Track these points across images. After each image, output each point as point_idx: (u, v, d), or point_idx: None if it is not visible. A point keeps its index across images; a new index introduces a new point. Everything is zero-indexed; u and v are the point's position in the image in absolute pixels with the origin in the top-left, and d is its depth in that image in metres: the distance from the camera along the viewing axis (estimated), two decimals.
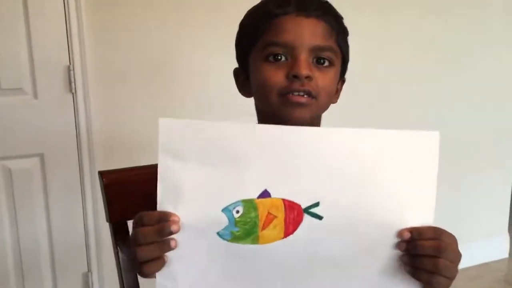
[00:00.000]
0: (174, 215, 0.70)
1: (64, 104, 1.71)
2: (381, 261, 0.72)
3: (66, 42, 1.64)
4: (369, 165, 0.71)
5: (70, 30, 1.66)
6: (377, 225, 0.71)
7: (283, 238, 0.73)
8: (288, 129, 0.71)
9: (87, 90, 1.70)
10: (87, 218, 1.79)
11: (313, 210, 0.72)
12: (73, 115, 1.69)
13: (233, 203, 0.72)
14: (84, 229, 1.84)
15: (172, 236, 0.67)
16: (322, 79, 0.82)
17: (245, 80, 0.91)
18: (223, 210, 0.72)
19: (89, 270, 1.90)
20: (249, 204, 0.72)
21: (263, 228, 0.72)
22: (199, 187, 0.71)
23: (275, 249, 0.73)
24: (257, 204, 0.72)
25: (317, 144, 0.71)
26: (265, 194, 0.72)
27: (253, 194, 0.71)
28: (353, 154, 0.71)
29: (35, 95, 1.66)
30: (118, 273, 1.03)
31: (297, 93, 0.81)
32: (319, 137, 0.71)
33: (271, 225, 0.73)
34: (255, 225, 0.72)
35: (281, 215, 0.72)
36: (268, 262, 0.73)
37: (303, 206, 0.72)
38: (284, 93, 0.82)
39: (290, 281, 0.73)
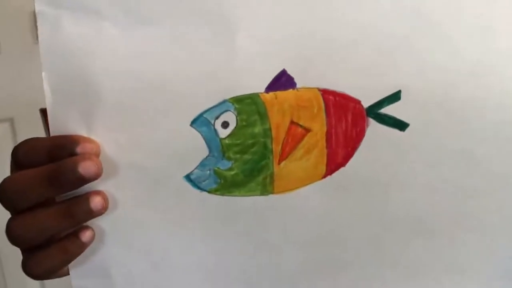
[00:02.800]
0: (87, 140, 0.30)
1: (32, 57, 1.39)
2: None
3: None
4: None
5: None
6: None
7: (324, 176, 0.33)
8: None
9: None
10: None
11: (386, 109, 0.32)
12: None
13: (214, 106, 0.31)
14: None
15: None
16: None
17: None
18: (194, 124, 0.31)
19: None
20: (248, 105, 0.32)
21: (283, 156, 0.33)
22: (134, 74, 0.31)
23: (311, 204, 0.35)
24: (265, 103, 0.32)
25: None
26: (282, 80, 0.32)
27: (255, 83, 0.32)
28: None
29: None
30: None
31: None
32: None
33: (300, 149, 0.33)
34: (265, 151, 0.33)
35: (319, 126, 0.33)
36: (296, 233, 0.34)
37: (367, 103, 0.32)
38: None
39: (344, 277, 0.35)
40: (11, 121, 1.50)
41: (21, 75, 1.45)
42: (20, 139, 1.35)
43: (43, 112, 0.56)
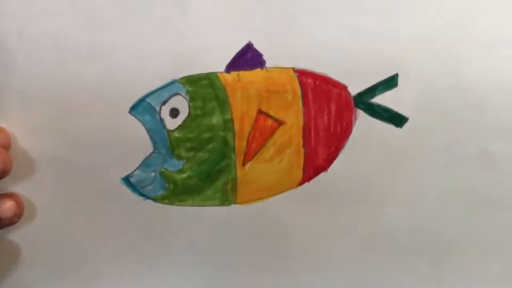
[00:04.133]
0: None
1: None
2: None
3: None
4: None
5: None
6: None
7: (301, 184, 0.28)
8: None
9: None
10: None
11: (380, 98, 0.25)
12: None
13: (160, 88, 0.25)
14: None
15: None
16: None
17: None
18: (133, 110, 0.24)
19: None
20: (204, 88, 0.26)
21: (249, 156, 0.26)
22: (59, 38, 0.24)
23: (283, 218, 0.28)
24: (226, 87, 0.25)
25: None
26: (248, 56, 0.25)
27: (213, 59, 0.25)
28: None
29: None
30: None
31: None
32: None
33: (270, 147, 0.27)
34: (225, 148, 0.26)
35: (295, 117, 0.27)
36: (265, 254, 0.29)
37: (354, 89, 0.25)
38: None
39: None
40: None
41: None
42: None
43: None
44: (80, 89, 0.26)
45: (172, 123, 0.26)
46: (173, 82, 0.26)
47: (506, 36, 0.27)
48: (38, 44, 0.25)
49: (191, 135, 0.27)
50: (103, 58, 0.25)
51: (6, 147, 0.25)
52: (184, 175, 0.27)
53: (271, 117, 0.27)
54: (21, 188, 0.26)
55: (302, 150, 0.27)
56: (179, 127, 0.26)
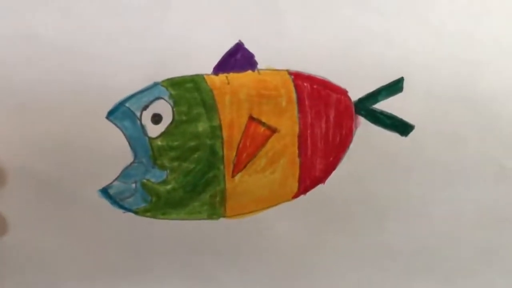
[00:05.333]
0: None
1: None
2: None
3: None
4: None
5: None
6: None
7: (296, 196, 0.26)
8: None
9: None
10: None
11: (383, 105, 0.23)
12: None
13: (141, 91, 0.23)
14: None
15: None
16: None
17: None
18: (111, 116, 0.22)
19: None
20: (189, 92, 0.24)
21: (239, 168, 0.24)
22: (30, 37, 0.22)
23: (277, 234, 0.26)
24: (214, 91, 0.22)
25: None
26: (238, 57, 0.22)
27: (199, 60, 0.23)
28: None
29: None
30: None
31: None
32: None
33: (262, 157, 0.25)
34: (213, 158, 0.24)
35: (289, 125, 0.24)
36: (256, 272, 0.26)
37: (356, 93, 0.24)
38: None
39: None
40: None
41: None
42: None
43: None
44: (52, 91, 0.23)
45: (154, 130, 0.24)
46: (155, 85, 0.24)
47: None
48: (6, 41, 0.23)
49: (175, 143, 0.24)
50: (78, 57, 0.23)
51: None
52: (168, 187, 0.25)
53: (263, 124, 0.24)
54: None
55: (297, 160, 0.25)
56: (162, 134, 0.24)
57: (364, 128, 0.25)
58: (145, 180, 0.25)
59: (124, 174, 0.24)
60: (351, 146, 0.25)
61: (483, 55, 0.25)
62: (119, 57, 0.23)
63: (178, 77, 0.24)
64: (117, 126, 0.24)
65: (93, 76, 0.23)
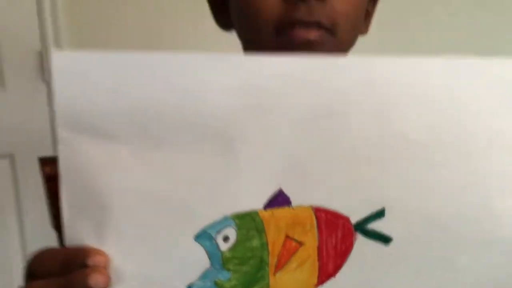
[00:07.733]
0: (98, 252, 0.33)
1: (36, 96, 1.41)
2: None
3: (37, 23, 1.38)
4: (469, 120, 0.37)
5: (42, 9, 1.36)
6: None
7: (316, 286, 0.37)
8: (315, 63, 0.36)
9: None
10: None
11: (373, 225, 0.36)
12: (47, 108, 1.40)
13: (217, 222, 0.35)
14: None
15: None
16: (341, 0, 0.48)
17: (221, 3, 0.55)
18: (197, 238, 0.35)
19: None
20: (247, 221, 0.36)
21: (278, 268, 0.36)
22: (145, 192, 0.34)
23: None
24: (263, 220, 0.35)
25: (380, 88, 0.36)
26: (279, 199, 0.36)
27: (255, 202, 0.36)
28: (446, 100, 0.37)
29: (3, 86, 1.40)
30: None
31: (303, 26, 0.47)
32: (383, 73, 0.36)
33: (294, 261, 0.36)
34: (261, 263, 0.36)
35: (311, 241, 0.37)
36: None
37: (354, 219, 0.36)
38: (284, 27, 0.47)
39: None
40: (11, 157, 1.48)
41: (25, 113, 1.43)
42: (20, 174, 1.37)
43: (41, 161, 0.57)
44: (160, 226, 0.36)
45: (224, 246, 0.36)
46: (226, 218, 0.36)
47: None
48: (131, 196, 0.35)
49: (237, 255, 0.37)
50: (176, 203, 0.36)
51: (106, 267, 0.35)
52: (232, 283, 0.37)
53: (295, 240, 0.37)
54: None
55: (317, 263, 0.37)
56: (229, 249, 0.36)
57: (360, 240, 0.38)
58: (217, 280, 0.37)
59: (203, 276, 0.36)
60: (352, 252, 0.38)
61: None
62: (204, 200, 0.36)
63: (241, 212, 0.36)
64: (201, 245, 0.36)
65: (187, 212, 0.36)
